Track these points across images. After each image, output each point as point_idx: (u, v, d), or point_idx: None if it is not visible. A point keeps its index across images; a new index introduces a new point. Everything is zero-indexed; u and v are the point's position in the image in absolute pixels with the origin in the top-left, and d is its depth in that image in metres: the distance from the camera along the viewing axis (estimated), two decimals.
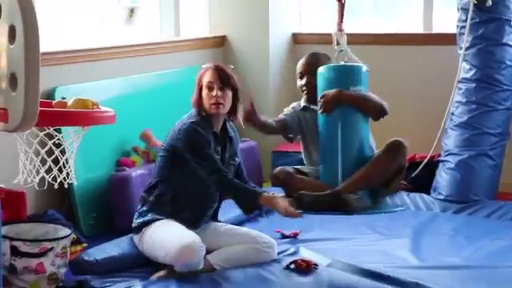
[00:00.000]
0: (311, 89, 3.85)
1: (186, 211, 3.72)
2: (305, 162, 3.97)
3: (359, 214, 3.63)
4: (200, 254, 3.55)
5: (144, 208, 3.76)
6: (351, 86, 3.68)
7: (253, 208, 3.68)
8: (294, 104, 4.02)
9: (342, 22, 3.88)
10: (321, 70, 3.77)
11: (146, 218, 3.71)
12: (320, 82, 3.75)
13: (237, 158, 3.89)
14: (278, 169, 3.79)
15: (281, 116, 3.96)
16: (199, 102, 3.76)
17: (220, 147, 3.78)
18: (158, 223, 3.67)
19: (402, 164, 3.69)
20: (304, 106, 3.94)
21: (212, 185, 3.70)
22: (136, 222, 3.75)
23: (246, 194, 3.64)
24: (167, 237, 3.59)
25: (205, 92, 3.74)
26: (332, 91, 3.65)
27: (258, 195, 3.61)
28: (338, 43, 3.86)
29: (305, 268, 3.66)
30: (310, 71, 3.88)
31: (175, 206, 3.71)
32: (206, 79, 3.76)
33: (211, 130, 3.75)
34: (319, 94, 3.73)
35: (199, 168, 3.67)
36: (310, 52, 3.99)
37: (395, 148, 3.67)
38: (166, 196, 3.73)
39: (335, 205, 3.52)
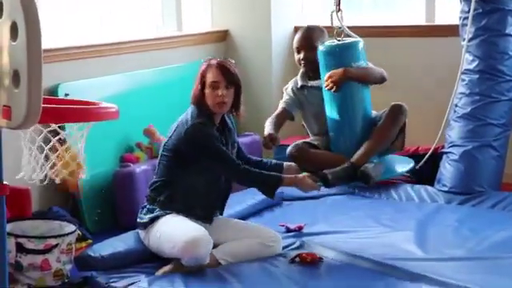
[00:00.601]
0: (309, 62, 4.07)
1: (198, 209, 3.72)
2: (307, 131, 4.23)
3: (378, 180, 3.94)
4: (208, 247, 3.56)
5: (153, 206, 3.75)
6: (353, 62, 3.92)
7: (276, 193, 3.78)
8: (290, 85, 4.18)
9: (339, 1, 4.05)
10: (322, 48, 3.95)
11: (155, 214, 3.71)
12: (323, 59, 3.93)
13: (235, 144, 3.92)
14: (292, 146, 3.98)
15: (281, 106, 4.15)
16: (201, 99, 3.74)
17: (223, 139, 3.79)
18: (165, 218, 3.67)
19: (404, 122, 4.02)
20: (302, 85, 4.12)
21: (233, 180, 3.80)
22: (145, 217, 3.74)
23: (268, 181, 3.72)
24: (175, 230, 3.59)
25: (208, 90, 3.72)
26: (338, 71, 3.86)
27: (280, 180, 3.72)
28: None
29: (310, 261, 3.66)
30: (306, 45, 4.08)
31: (187, 204, 3.71)
32: (210, 78, 3.72)
33: (214, 126, 3.76)
34: (322, 72, 3.93)
35: (217, 166, 3.72)
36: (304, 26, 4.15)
37: (397, 112, 3.97)
38: (176, 196, 3.72)
39: (355, 177, 3.86)
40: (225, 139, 3.80)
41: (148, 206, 3.76)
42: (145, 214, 3.75)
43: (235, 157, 3.84)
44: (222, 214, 3.92)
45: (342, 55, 3.93)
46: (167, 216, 3.67)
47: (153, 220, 3.70)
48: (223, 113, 3.79)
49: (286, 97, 4.15)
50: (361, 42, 3.99)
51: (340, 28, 4.02)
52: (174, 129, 3.77)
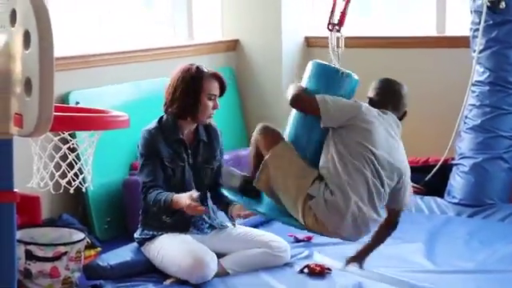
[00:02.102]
0: None
1: (172, 220, 3.68)
2: None
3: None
4: (212, 264, 3.56)
5: (140, 227, 3.77)
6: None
7: (172, 213, 3.64)
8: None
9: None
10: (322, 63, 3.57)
11: (144, 236, 3.72)
12: (317, 73, 3.53)
13: (215, 162, 3.83)
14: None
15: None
16: (192, 107, 3.67)
17: (189, 152, 3.75)
18: (160, 238, 3.67)
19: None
20: None
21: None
22: (138, 236, 3.76)
23: (161, 204, 3.57)
24: (175, 254, 3.58)
25: (205, 102, 3.69)
26: None
27: (169, 203, 3.55)
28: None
29: (318, 272, 3.65)
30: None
31: (160, 221, 3.68)
32: (209, 89, 3.70)
33: (175, 137, 3.72)
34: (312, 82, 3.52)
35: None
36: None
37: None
38: (151, 213, 3.70)
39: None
40: (192, 152, 3.75)
41: (139, 225, 3.79)
42: (139, 234, 3.76)
43: (209, 174, 3.78)
44: (221, 222, 3.85)
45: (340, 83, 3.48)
46: (161, 236, 3.67)
47: (146, 239, 3.71)
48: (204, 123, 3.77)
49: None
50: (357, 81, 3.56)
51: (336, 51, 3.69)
52: None
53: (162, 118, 3.76)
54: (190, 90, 3.68)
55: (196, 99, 3.68)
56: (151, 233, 3.70)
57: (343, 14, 3.70)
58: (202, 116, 3.72)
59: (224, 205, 3.78)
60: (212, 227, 3.81)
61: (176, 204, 3.54)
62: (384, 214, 3.46)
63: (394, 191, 3.42)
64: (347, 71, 3.50)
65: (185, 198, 3.49)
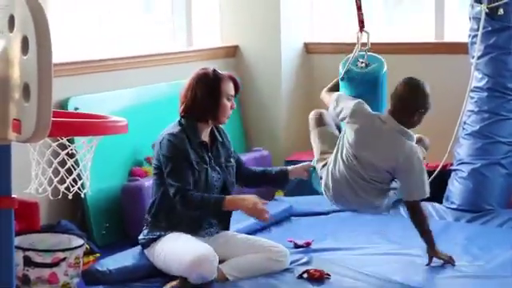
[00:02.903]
0: None
1: (183, 225, 3.70)
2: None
3: None
4: (214, 264, 3.56)
5: (146, 228, 3.78)
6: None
7: (222, 214, 3.77)
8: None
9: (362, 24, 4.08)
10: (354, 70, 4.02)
11: (151, 236, 3.73)
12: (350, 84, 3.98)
13: (232, 159, 3.91)
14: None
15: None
16: (214, 110, 3.76)
17: (210, 154, 3.79)
18: (166, 237, 3.68)
19: None
20: None
21: (176, 204, 3.67)
22: (145, 237, 3.77)
23: (210, 206, 3.65)
24: (179, 249, 3.59)
25: (225, 103, 3.77)
26: None
27: (221, 203, 3.66)
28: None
29: (318, 277, 3.65)
30: None
31: (171, 221, 3.71)
32: (228, 90, 3.78)
33: (197, 140, 3.75)
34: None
35: (168, 181, 3.67)
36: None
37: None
38: (161, 213, 3.73)
39: None
40: (213, 153, 3.80)
41: (144, 229, 3.79)
42: (145, 235, 3.77)
43: (233, 172, 3.87)
44: (225, 228, 3.89)
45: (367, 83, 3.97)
46: (165, 237, 3.68)
47: (152, 240, 3.71)
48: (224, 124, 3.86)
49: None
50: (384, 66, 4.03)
51: (362, 51, 4.02)
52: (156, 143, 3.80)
53: (180, 121, 3.77)
54: (210, 93, 3.75)
55: (217, 101, 3.75)
56: (158, 233, 3.70)
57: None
58: (222, 117, 3.80)
59: (271, 177, 4.02)
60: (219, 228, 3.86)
61: (232, 203, 3.65)
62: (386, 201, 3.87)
63: (399, 186, 3.81)
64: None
65: (249, 199, 3.65)
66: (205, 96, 3.75)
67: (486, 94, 4.81)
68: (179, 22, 5.45)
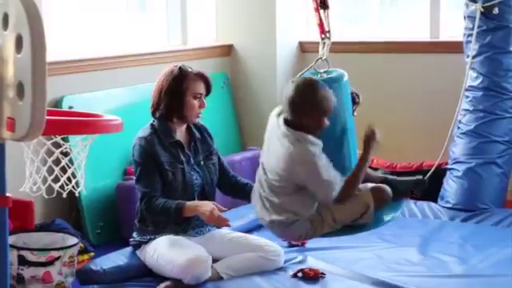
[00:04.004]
0: None
1: (170, 228, 3.68)
2: None
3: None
4: (207, 264, 3.55)
5: (134, 233, 3.77)
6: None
7: (182, 221, 3.66)
8: None
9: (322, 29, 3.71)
10: None
11: (141, 239, 3.72)
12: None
13: (214, 156, 3.87)
14: None
15: None
16: (178, 108, 3.70)
17: (188, 153, 3.77)
18: (156, 240, 3.67)
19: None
20: None
21: (142, 208, 3.66)
22: (134, 239, 3.77)
23: (171, 213, 3.59)
24: (171, 253, 3.58)
25: (190, 101, 3.71)
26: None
27: (181, 210, 3.58)
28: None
29: (312, 276, 3.65)
30: None
31: (158, 225, 3.69)
32: (194, 89, 3.72)
33: (170, 140, 3.73)
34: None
35: (137, 190, 3.68)
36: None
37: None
38: (148, 218, 3.71)
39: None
40: (192, 152, 3.77)
41: (134, 230, 3.79)
42: (135, 238, 3.77)
43: (214, 170, 3.82)
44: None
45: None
46: (157, 239, 3.67)
47: (142, 242, 3.71)
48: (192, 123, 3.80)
49: None
50: (345, 76, 3.59)
51: (321, 58, 3.64)
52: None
53: (153, 123, 3.76)
54: (174, 90, 3.70)
55: (181, 99, 3.70)
56: (148, 237, 3.69)
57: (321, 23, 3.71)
58: (189, 116, 3.74)
59: (244, 193, 3.82)
60: (210, 226, 3.83)
61: (191, 211, 3.57)
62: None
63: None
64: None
65: (206, 205, 3.53)
66: (169, 94, 3.71)
67: (481, 93, 4.81)
68: (174, 20, 5.45)
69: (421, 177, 3.77)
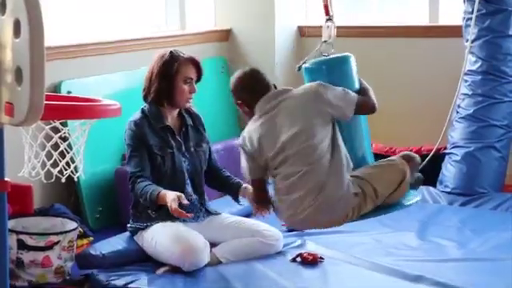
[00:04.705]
0: None
1: (164, 214, 3.63)
2: None
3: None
4: (205, 251, 3.56)
5: (131, 221, 3.77)
6: (343, 81, 3.57)
7: (157, 208, 3.63)
8: None
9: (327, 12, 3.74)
10: (307, 65, 3.65)
11: (138, 226, 3.72)
12: (309, 78, 3.63)
13: (205, 145, 3.87)
14: None
15: None
16: (169, 93, 3.70)
17: (179, 138, 3.76)
18: (154, 227, 3.67)
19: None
20: None
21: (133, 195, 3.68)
22: (131, 226, 3.77)
23: (147, 197, 3.56)
24: (169, 240, 3.57)
25: (181, 85, 3.70)
26: None
27: (155, 197, 3.54)
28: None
29: (311, 261, 3.66)
30: None
31: (152, 209, 3.68)
32: (185, 73, 3.71)
33: (161, 125, 3.73)
34: None
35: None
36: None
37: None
38: (141, 205, 3.70)
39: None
40: (182, 137, 3.77)
41: (129, 221, 3.79)
42: (131, 224, 3.77)
43: (204, 159, 3.82)
44: (213, 211, 3.86)
45: (330, 73, 3.57)
46: (154, 225, 3.66)
47: (139, 228, 3.71)
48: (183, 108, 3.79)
49: None
50: (351, 57, 3.63)
51: (326, 41, 3.69)
52: None
53: (144, 108, 3.76)
54: (164, 75, 3.69)
55: (171, 83, 3.69)
56: (145, 224, 3.69)
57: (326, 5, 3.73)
58: (179, 100, 3.73)
59: (227, 187, 3.84)
60: (208, 213, 3.82)
61: (162, 200, 3.53)
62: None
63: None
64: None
65: (171, 198, 3.46)
66: (159, 78, 3.71)
67: (480, 77, 4.81)
68: (172, 5, 5.43)
69: (419, 174, 3.78)
